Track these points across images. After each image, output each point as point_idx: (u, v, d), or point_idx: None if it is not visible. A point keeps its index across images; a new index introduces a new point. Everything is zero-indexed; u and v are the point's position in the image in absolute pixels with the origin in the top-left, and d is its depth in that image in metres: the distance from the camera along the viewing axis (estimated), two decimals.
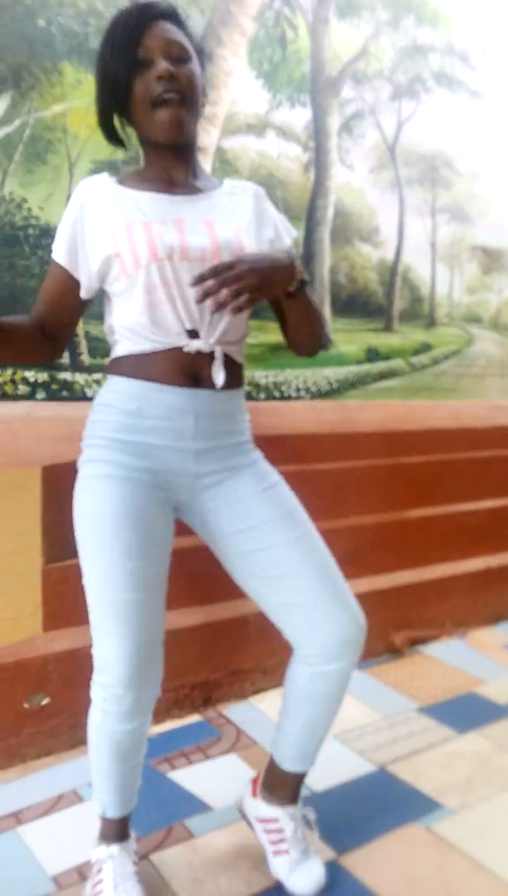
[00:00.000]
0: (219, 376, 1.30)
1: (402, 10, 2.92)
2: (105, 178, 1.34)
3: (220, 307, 1.11)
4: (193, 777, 1.83)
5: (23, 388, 2.00)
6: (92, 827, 1.46)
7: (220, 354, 1.30)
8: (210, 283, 1.11)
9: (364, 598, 2.59)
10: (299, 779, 1.48)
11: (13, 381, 1.98)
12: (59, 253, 1.32)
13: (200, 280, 1.11)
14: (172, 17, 1.28)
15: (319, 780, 1.84)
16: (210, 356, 1.30)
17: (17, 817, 1.69)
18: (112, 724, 1.33)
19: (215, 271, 1.11)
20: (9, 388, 1.98)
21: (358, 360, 2.83)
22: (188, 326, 1.28)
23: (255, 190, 1.41)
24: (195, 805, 1.73)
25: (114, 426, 1.31)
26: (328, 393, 2.71)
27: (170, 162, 1.33)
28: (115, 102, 1.29)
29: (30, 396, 2.00)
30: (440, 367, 3.15)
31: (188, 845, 1.59)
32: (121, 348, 1.34)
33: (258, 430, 2.47)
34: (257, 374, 2.54)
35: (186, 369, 1.29)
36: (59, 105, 2.03)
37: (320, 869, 1.45)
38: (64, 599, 2.04)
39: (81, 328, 2.21)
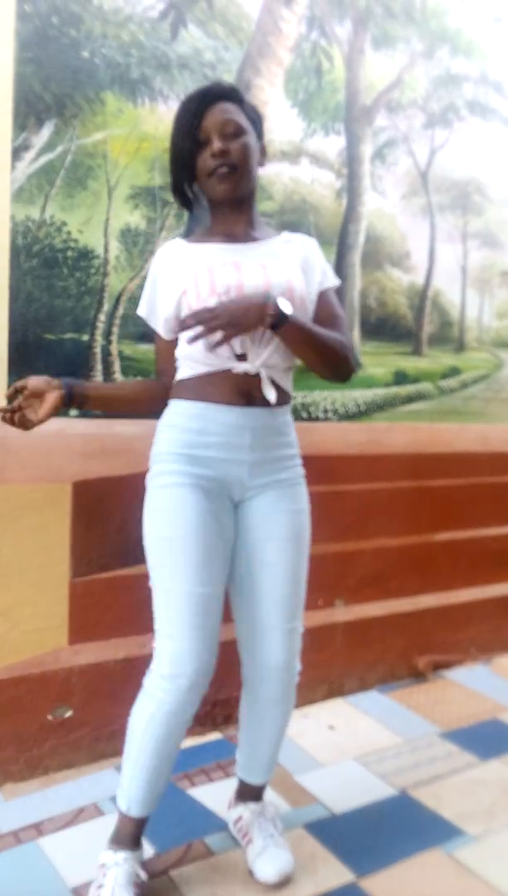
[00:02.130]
0: (270, 394, 1.47)
1: (437, 40, 2.97)
2: (177, 241, 1.56)
3: (194, 339, 1.33)
4: (213, 794, 1.84)
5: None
6: None
7: (265, 376, 1.47)
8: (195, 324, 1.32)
9: (387, 621, 2.60)
10: (255, 788, 1.65)
11: None
12: (141, 309, 1.56)
13: (190, 320, 1.31)
14: (230, 96, 1.48)
15: (339, 801, 1.84)
16: (258, 378, 1.47)
17: (39, 829, 1.70)
18: (167, 717, 1.41)
19: (196, 315, 1.31)
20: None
21: (387, 383, 2.84)
22: (239, 351, 1.44)
23: (307, 241, 1.59)
24: (215, 822, 1.73)
25: (180, 443, 1.46)
26: (356, 415, 2.73)
27: (230, 216, 1.53)
28: (184, 174, 1.51)
29: (63, 413, 2.05)
30: (468, 390, 3.15)
31: (207, 862, 1.60)
32: (181, 374, 1.51)
33: None
34: None
35: (240, 389, 1.46)
36: (100, 133, 2.10)
37: (286, 857, 1.55)
38: (90, 613, 2.07)
39: (114, 347, 2.26)
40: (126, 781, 1.47)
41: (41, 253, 2.02)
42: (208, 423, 1.46)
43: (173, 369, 1.54)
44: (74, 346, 2.07)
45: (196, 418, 1.46)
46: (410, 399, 2.91)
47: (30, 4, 1.98)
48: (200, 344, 1.42)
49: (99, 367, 2.23)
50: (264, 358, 1.46)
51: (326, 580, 2.53)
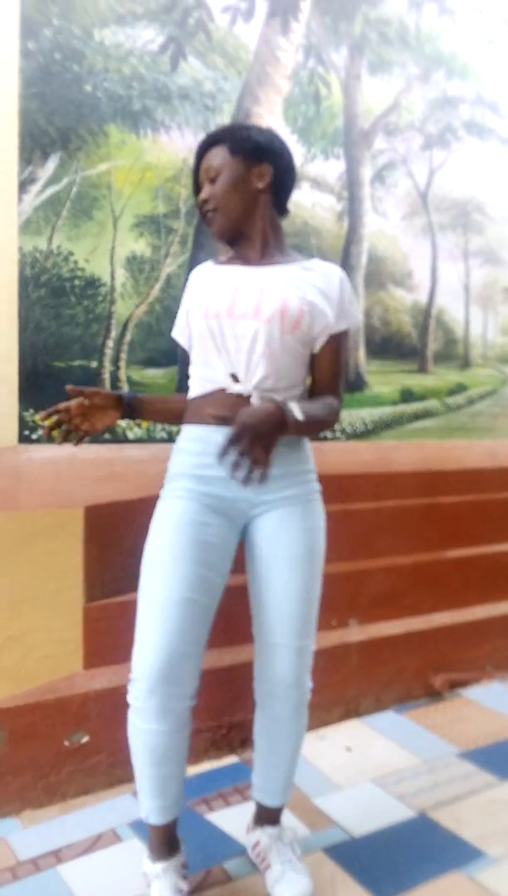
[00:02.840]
0: (295, 411, 1.44)
1: (432, 64, 3.02)
2: (207, 264, 1.62)
3: (246, 482, 1.28)
4: (230, 818, 1.83)
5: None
6: (132, 867, 1.47)
7: (255, 398, 1.47)
8: (232, 459, 1.27)
9: (402, 640, 2.59)
10: (272, 810, 1.64)
11: (59, 425, 2.05)
12: (174, 331, 1.64)
13: (223, 452, 1.26)
14: (219, 140, 1.53)
15: (358, 824, 1.82)
16: (248, 399, 1.47)
17: (57, 856, 1.69)
18: (139, 723, 1.42)
19: (230, 443, 1.26)
20: (56, 434, 2.05)
21: (393, 401, 2.86)
22: (230, 370, 1.47)
23: (331, 271, 1.55)
24: (233, 847, 1.72)
25: (186, 465, 1.51)
26: (364, 434, 2.74)
27: (239, 245, 1.57)
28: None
29: None
30: (475, 407, 3.16)
31: (227, 888, 1.58)
32: (190, 392, 1.57)
33: None
34: None
35: (236, 409, 1.44)
36: (104, 164, 2.15)
37: (305, 882, 1.53)
38: (104, 637, 2.08)
39: (123, 373, 2.29)
40: (140, 792, 1.50)
41: (49, 282, 2.05)
42: (208, 445, 1.48)
43: None
44: (83, 373, 2.10)
45: (197, 440, 1.50)
46: (417, 417, 2.92)
47: (33, 42, 2.03)
48: (200, 359, 1.50)
49: None
50: (256, 380, 1.47)
51: (339, 600, 2.53)
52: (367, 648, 2.50)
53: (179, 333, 1.63)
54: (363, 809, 1.89)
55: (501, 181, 3.27)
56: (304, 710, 1.58)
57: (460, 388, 3.11)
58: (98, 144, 2.14)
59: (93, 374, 2.10)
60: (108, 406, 1.52)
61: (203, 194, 1.54)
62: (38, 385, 2.03)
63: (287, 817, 1.81)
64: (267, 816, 1.65)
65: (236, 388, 1.48)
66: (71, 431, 1.51)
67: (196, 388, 1.54)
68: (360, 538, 2.66)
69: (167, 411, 1.65)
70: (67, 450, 2.06)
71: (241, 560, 1.59)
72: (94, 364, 2.21)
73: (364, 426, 2.73)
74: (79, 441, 1.52)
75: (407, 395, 2.90)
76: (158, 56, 2.27)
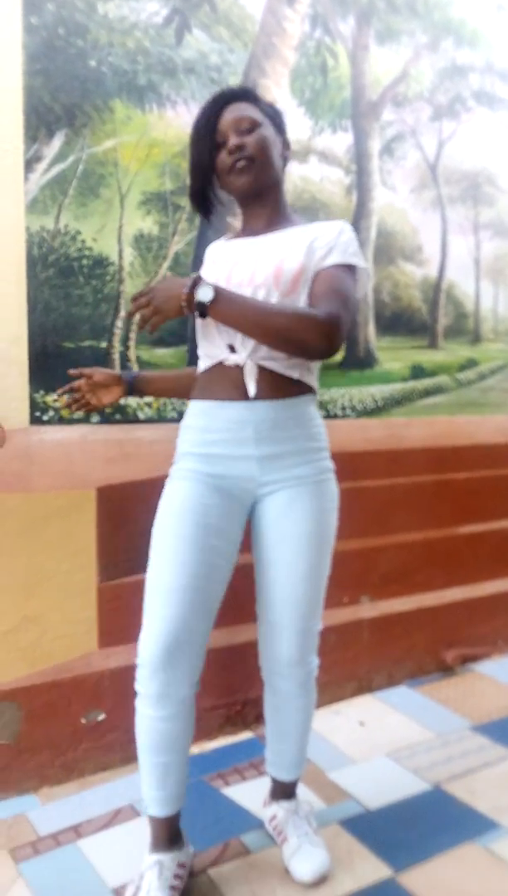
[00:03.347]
0: (250, 387, 1.45)
1: (441, 32, 2.95)
2: (220, 241, 1.59)
3: (128, 317, 1.46)
4: (247, 793, 1.85)
5: (78, 413, 2.07)
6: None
7: (252, 367, 1.44)
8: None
9: (413, 616, 2.60)
10: (286, 784, 1.65)
11: (68, 406, 2.05)
12: None
13: (132, 303, 1.37)
14: (243, 97, 1.50)
15: (373, 797, 1.84)
16: (258, 370, 1.44)
17: (77, 831, 1.72)
18: (141, 708, 1.43)
19: (136, 297, 1.38)
20: (65, 413, 2.05)
21: (403, 378, 2.84)
22: (227, 341, 1.45)
23: (327, 225, 1.48)
24: (250, 821, 1.74)
25: (190, 442, 1.49)
26: (374, 411, 2.73)
27: (255, 210, 1.54)
28: (204, 179, 1.52)
29: (85, 420, 2.07)
30: (486, 382, 3.13)
31: (245, 860, 1.61)
32: (198, 370, 1.55)
33: None
34: None
35: (238, 383, 1.45)
36: (110, 141, 2.12)
37: (321, 855, 1.55)
38: (119, 617, 2.09)
39: (132, 353, 2.28)
40: (142, 783, 1.49)
41: (57, 262, 2.04)
42: (211, 420, 1.46)
43: None
44: (92, 353, 2.09)
45: (201, 416, 1.48)
46: (428, 393, 2.90)
47: (36, 17, 2.00)
48: (201, 333, 1.48)
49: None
50: (250, 349, 1.43)
51: (350, 577, 2.54)
52: (379, 625, 2.52)
53: None
54: (378, 783, 1.91)
55: None
56: (311, 685, 1.59)
57: (471, 364, 3.08)
58: (104, 121, 2.12)
59: (102, 354, 2.09)
60: (109, 384, 1.60)
61: (237, 141, 1.44)
62: (48, 366, 2.02)
63: (303, 791, 1.83)
64: (282, 791, 1.67)
65: (232, 359, 1.44)
66: (81, 405, 1.62)
67: (201, 363, 1.52)
68: (371, 515, 2.66)
69: (173, 388, 1.68)
70: (78, 431, 2.05)
71: (250, 538, 1.59)
72: (103, 344, 2.20)
73: (375, 403, 2.72)
74: (89, 411, 1.64)
75: (418, 371, 2.88)
76: (163, 29, 2.23)
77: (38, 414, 2.01)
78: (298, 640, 1.53)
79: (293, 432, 1.48)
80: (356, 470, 2.64)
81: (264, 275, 1.42)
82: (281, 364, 1.46)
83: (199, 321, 1.46)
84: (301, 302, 1.43)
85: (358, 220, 2.71)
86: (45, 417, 2.01)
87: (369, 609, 2.55)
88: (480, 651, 2.75)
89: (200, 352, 1.52)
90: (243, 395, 1.44)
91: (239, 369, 1.45)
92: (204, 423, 1.47)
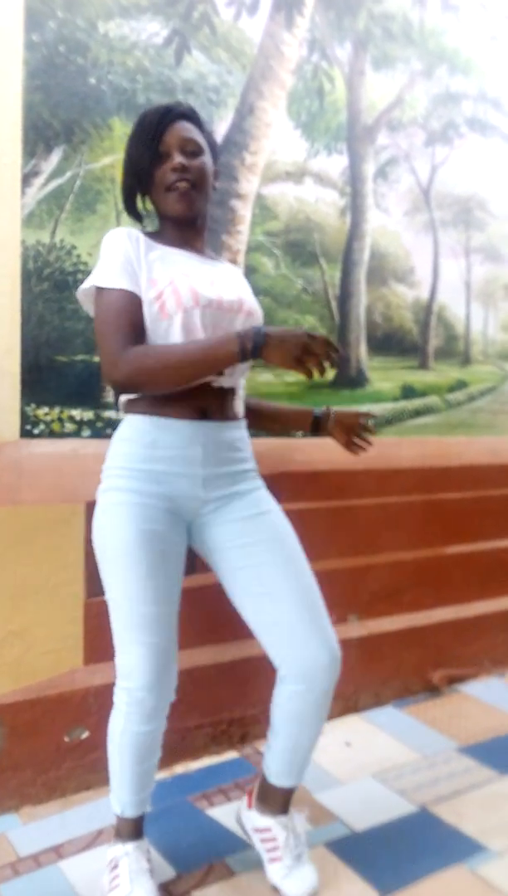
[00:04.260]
0: (240, 409, 1.55)
1: (435, 59, 3.01)
2: (136, 232, 1.52)
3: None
4: (232, 814, 1.83)
5: (70, 427, 2.06)
6: None
7: (240, 389, 1.55)
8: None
9: (402, 636, 2.59)
10: (287, 792, 1.61)
11: (60, 420, 2.04)
12: (121, 280, 1.44)
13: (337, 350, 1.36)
14: (190, 117, 1.53)
15: (359, 819, 1.83)
16: (218, 391, 1.50)
17: (58, 851, 1.70)
18: (134, 727, 1.47)
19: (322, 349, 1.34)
20: (56, 427, 2.05)
21: (394, 398, 2.86)
22: None
23: (242, 276, 1.70)
24: (235, 843, 1.73)
25: (132, 457, 1.47)
26: None
27: (186, 232, 1.56)
28: (138, 186, 1.55)
29: (76, 434, 2.07)
30: (475, 403, 3.16)
31: (229, 883, 1.59)
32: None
33: (295, 467, 2.51)
34: None
35: (196, 403, 1.47)
36: (108, 157, 2.13)
37: (313, 875, 1.55)
38: (105, 633, 2.06)
39: None
40: (116, 788, 1.54)
41: (52, 276, 2.04)
42: (161, 436, 1.46)
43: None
44: (85, 368, 2.09)
45: (150, 432, 1.46)
46: (418, 413, 2.92)
47: (37, 34, 2.02)
48: None
49: (110, 388, 2.25)
50: (240, 373, 1.53)
51: (339, 596, 2.53)
52: (366, 644, 2.51)
53: (134, 286, 1.44)
54: (365, 804, 1.90)
55: (503, 178, 3.26)
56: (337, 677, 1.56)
57: (460, 385, 3.11)
58: (102, 138, 2.13)
59: (95, 368, 2.09)
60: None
61: (183, 161, 1.47)
62: (40, 379, 2.02)
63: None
64: (279, 802, 1.61)
65: (220, 382, 1.49)
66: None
67: None
68: (360, 534, 2.66)
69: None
70: (69, 444, 2.05)
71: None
72: (96, 359, 2.20)
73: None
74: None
75: (408, 392, 2.90)
76: (163, 49, 2.26)
77: (28, 427, 2.00)
78: (329, 636, 1.51)
79: (234, 454, 1.54)
80: (345, 488, 2.64)
81: (248, 306, 1.52)
82: (240, 388, 1.58)
83: (185, 336, 1.45)
84: None
85: (352, 241, 2.74)
86: (35, 431, 2.01)
87: (357, 628, 2.55)
88: (467, 672, 2.74)
89: None
90: (195, 415, 1.48)
91: (207, 390, 1.48)
92: (152, 438, 1.46)
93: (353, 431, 1.76)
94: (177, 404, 1.47)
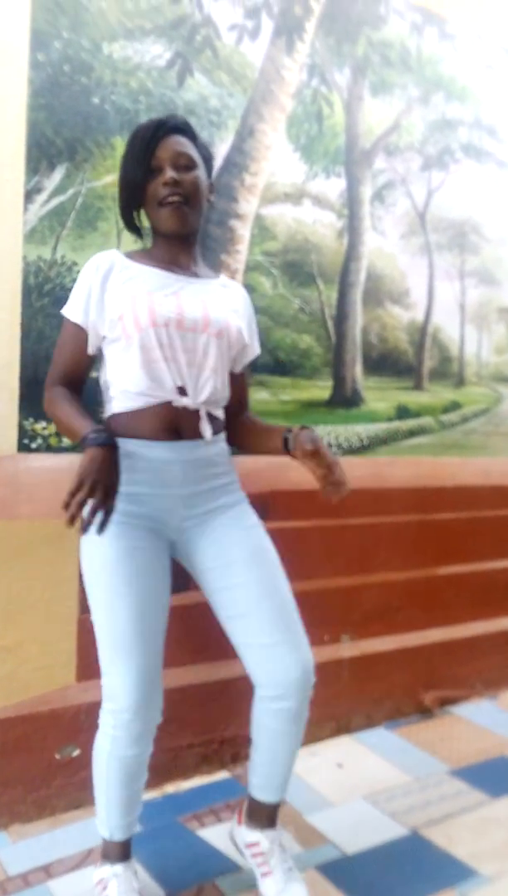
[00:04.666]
0: (207, 430, 1.52)
1: (432, 87, 3.06)
2: (115, 253, 1.55)
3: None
4: (222, 835, 1.82)
5: (67, 441, 2.06)
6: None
7: (204, 412, 1.52)
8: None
9: (394, 656, 2.59)
10: (271, 807, 1.62)
11: (58, 434, 2.05)
12: (76, 313, 1.51)
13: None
14: (184, 130, 1.53)
15: (350, 842, 1.82)
16: (192, 412, 1.50)
17: (47, 871, 1.68)
18: (121, 751, 1.45)
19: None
20: (53, 441, 2.05)
21: (389, 418, 2.87)
22: (179, 383, 1.47)
23: (244, 294, 1.67)
24: (225, 864, 1.71)
25: None
26: (360, 449, 2.75)
27: (176, 249, 1.56)
28: (133, 201, 1.55)
29: (73, 449, 2.07)
30: (469, 424, 3.18)
31: None
32: (116, 405, 1.52)
33: (289, 485, 2.51)
34: None
35: (171, 425, 1.48)
36: (109, 176, 2.16)
37: (303, 891, 1.55)
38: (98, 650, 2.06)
39: None
40: (102, 812, 1.52)
41: (52, 292, 2.06)
42: (137, 460, 1.46)
43: (82, 380, 1.58)
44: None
45: (126, 455, 1.45)
46: (412, 433, 2.94)
47: (43, 53, 2.05)
48: (141, 372, 1.45)
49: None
50: (206, 394, 1.50)
51: (331, 615, 2.53)
52: (359, 664, 2.51)
53: (85, 322, 1.50)
54: (356, 826, 1.89)
55: (498, 203, 3.31)
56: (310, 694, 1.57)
57: (454, 406, 3.13)
58: (104, 156, 2.16)
59: (93, 383, 2.09)
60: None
61: (175, 175, 1.47)
62: (38, 394, 2.02)
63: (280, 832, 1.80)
64: (267, 817, 1.62)
65: (183, 402, 1.48)
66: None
67: (129, 401, 1.49)
68: (354, 553, 2.66)
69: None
70: (66, 459, 2.05)
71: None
72: (94, 374, 2.21)
73: (360, 441, 2.74)
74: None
75: (403, 412, 2.92)
76: (166, 71, 2.29)
77: (26, 441, 2.00)
78: (302, 652, 1.51)
79: (213, 470, 1.54)
80: (338, 508, 2.64)
81: (219, 326, 1.50)
82: (215, 408, 1.56)
83: (143, 357, 1.45)
84: (231, 358, 1.57)
85: (349, 262, 2.77)
86: (33, 445, 2.01)
87: (349, 648, 2.54)
88: (458, 693, 2.74)
89: (131, 390, 1.48)
90: (172, 437, 1.48)
91: (179, 410, 1.48)
92: (129, 461, 1.45)
93: (319, 467, 1.54)
94: (149, 425, 1.48)
